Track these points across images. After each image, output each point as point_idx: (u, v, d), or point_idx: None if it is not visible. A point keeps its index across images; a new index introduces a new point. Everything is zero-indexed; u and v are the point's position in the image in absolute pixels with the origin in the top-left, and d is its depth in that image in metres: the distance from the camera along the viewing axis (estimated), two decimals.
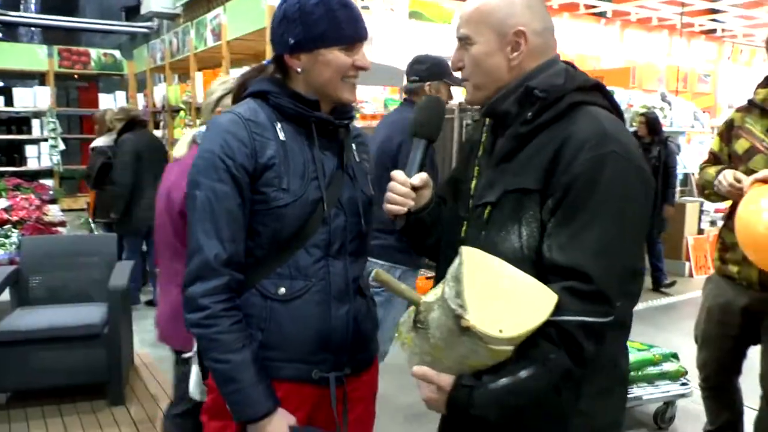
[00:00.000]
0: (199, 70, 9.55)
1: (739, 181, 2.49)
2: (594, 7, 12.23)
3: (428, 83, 3.17)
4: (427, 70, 3.18)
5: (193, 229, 1.50)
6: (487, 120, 1.53)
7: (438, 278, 1.41)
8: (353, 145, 1.71)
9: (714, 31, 14.72)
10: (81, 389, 3.84)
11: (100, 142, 6.13)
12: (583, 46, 12.63)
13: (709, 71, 15.28)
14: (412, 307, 1.33)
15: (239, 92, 1.66)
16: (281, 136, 1.54)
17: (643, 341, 4.23)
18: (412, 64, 3.27)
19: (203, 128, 2.16)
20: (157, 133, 11.10)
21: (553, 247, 1.29)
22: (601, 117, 1.36)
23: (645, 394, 3.54)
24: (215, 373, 1.51)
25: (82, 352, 3.65)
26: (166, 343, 2.44)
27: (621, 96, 7.04)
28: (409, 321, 1.33)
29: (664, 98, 7.29)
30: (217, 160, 1.48)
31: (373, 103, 6.58)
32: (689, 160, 7.72)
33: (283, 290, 1.54)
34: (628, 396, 3.52)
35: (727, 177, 2.53)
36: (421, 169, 1.55)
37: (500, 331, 1.19)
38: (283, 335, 1.54)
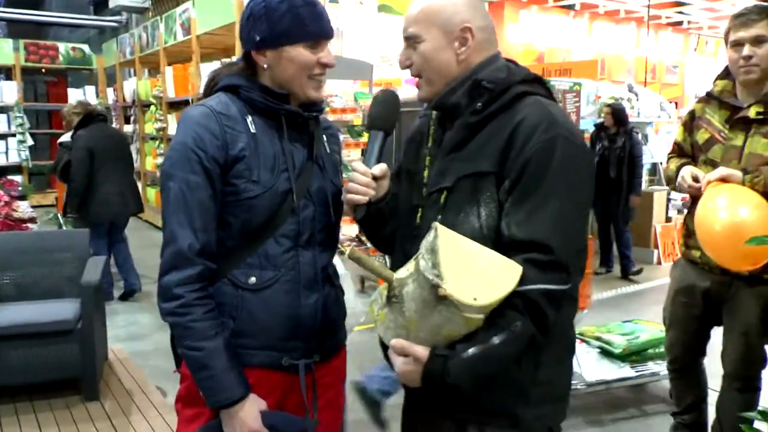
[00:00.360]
0: (169, 64, 9.51)
1: (696, 180, 2.57)
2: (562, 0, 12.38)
3: None
4: None
5: (167, 220, 1.53)
6: (434, 113, 1.60)
7: (394, 267, 1.46)
8: (324, 137, 1.74)
9: (681, 23, 14.97)
10: (55, 385, 3.81)
11: (66, 137, 6.08)
12: (552, 38, 12.77)
13: (677, 62, 15.56)
14: (383, 285, 1.40)
15: (210, 86, 1.68)
16: (252, 128, 1.57)
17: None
18: None
19: None
20: (128, 127, 11.02)
21: (511, 224, 1.38)
22: (547, 105, 1.46)
23: (662, 370, 3.68)
24: (189, 360, 1.54)
25: (55, 348, 3.63)
26: None
27: (589, 87, 7.14)
28: (381, 298, 1.40)
29: (631, 89, 7.42)
30: (190, 152, 1.51)
31: (343, 96, 6.60)
32: (657, 150, 7.87)
33: (253, 280, 1.57)
34: (644, 372, 3.78)
35: (686, 177, 2.61)
36: (379, 160, 1.59)
37: (474, 299, 1.27)
38: (254, 323, 1.58)
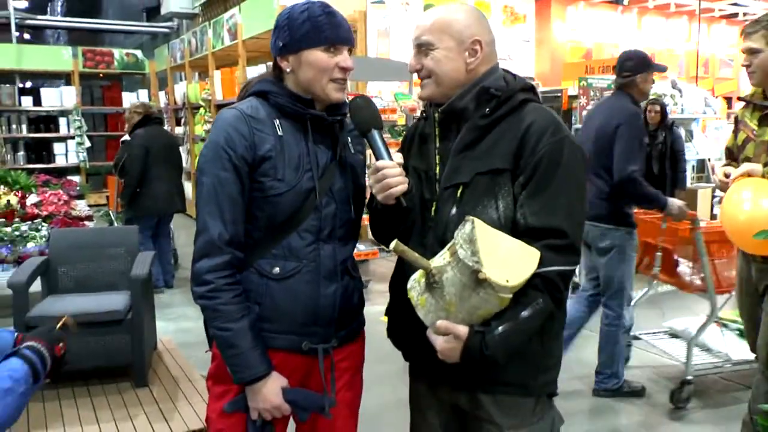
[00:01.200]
0: (218, 68, 9.79)
1: (727, 176, 2.71)
2: None
3: (639, 74, 3.70)
4: (636, 65, 3.71)
5: (200, 211, 1.69)
6: (436, 115, 1.74)
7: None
8: (348, 139, 1.87)
9: (735, 15, 14.62)
10: (108, 372, 4.05)
11: (128, 136, 6.42)
12: (600, 34, 12.66)
13: (732, 56, 15.18)
14: (419, 273, 1.56)
15: (244, 91, 1.83)
16: (279, 131, 1.72)
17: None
18: (622, 61, 3.79)
19: None
20: (178, 129, 11.38)
21: (527, 214, 1.57)
22: (547, 111, 1.68)
23: None
24: (217, 339, 1.69)
25: (108, 337, 3.86)
26: None
27: None
28: (419, 285, 1.55)
29: (674, 85, 7.33)
30: (221, 150, 1.66)
31: (384, 97, 6.74)
32: (703, 147, 7.76)
33: (277, 270, 1.71)
34: None
35: (719, 174, 2.79)
36: (389, 153, 1.71)
37: (507, 281, 1.45)
38: (277, 310, 1.72)
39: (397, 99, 6.78)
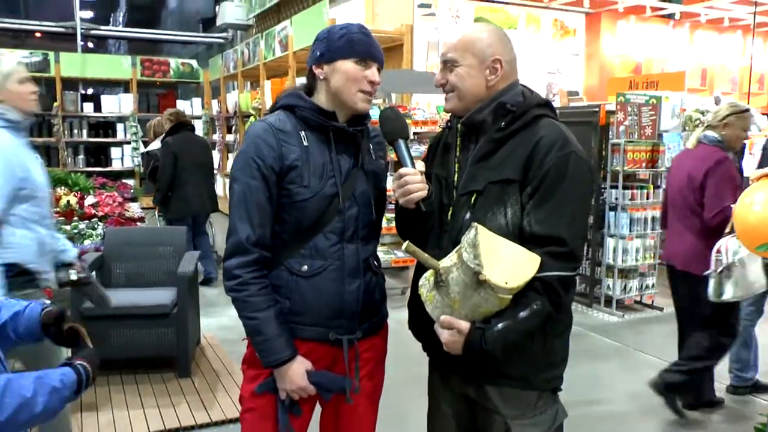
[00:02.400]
0: (268, 78, 10.09)
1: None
2: (661, 9, 12.12)
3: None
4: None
5: (231, 215, 1.87)
6: (459, 127, 1.88)
7: (428, 253, 1.75)
8: (370, 146, 2.03)
9: None
10: (154, 362, 4.31)
11: (152, 146, 6.81)
12: (650, 49, 12.51)
13: None
14: (429, 272, 1.71)
15: (274, 105, 2.01)
16: (305, 142, 1.88)
17: None
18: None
19: (709, 132, 3.68)
20: (230, 136, 11.73)
21: (532, 222, 1.71)
22: (559, 126, 1.79)
23: None
24: (247, 327, 1.87)
25: (155, 329, 4.11)
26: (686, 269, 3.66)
27: (674, 100, 7.07)
28: (429, 283, 1.71)
29: (717, 102, 7.26)
30: (251, 160, 1.83)
31: (426, 109, 6.88)
32: (749, 166, 7.64)
33: (305, 268, 1.88)
34: None
35: (750, 178, 2.83)
36: (413, 161, 1.87)
37: (506, 283, 1.58)
38: (306, 304, 1.88)
39: (438, 111, 6.92)
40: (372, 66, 1.89)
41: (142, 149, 12.34)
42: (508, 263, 1.62)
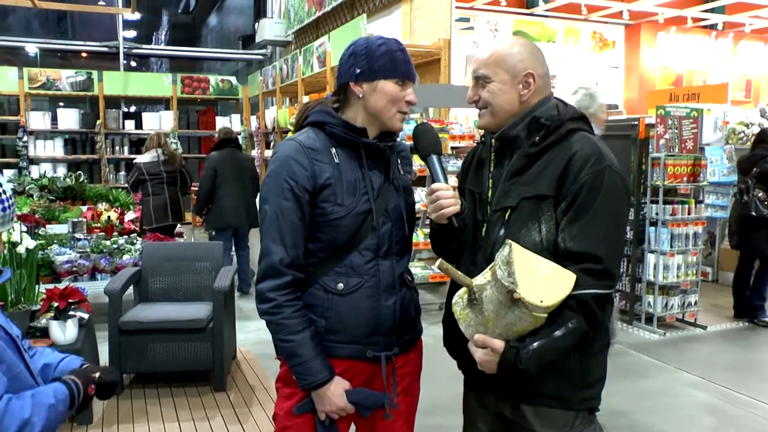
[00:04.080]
0: (306, 94, 10.19)
1: None
2: (703, 20, 11.90)
3: None
4: None
5: (263, 237, 1.85)
6: (493, 142, 1.86)
7: (461, 270, 1.73)
8: (398, 160, 2.02)
9: None
10: (190, 376, 4.35)
11: (140, 158, 6.97)
12: (692, 61, 12.28)
13: None
14: (462, 290, 1.69)
15: (301, 121, 1.98)
16: (336, 159, 1.86)
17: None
18: None
19: None
20: (268, 152, 11.85)
21: (566, 238, 1.68)
22: (594, 140, 1.76)
23: None
24: (282, 350, 1.85)
25: (191, 343, 4.15)
26: None
27: (717, 113, 6.93)
28: (462, 301, 1.69)
29: (763, 114, 7.09)
30: (282, 181, 1.80)
31: (464, 124, 6.85)
32: None
33: (341, 285, 1.86)
34: None
35: None
36: (445, 176, 1.85)
37: (541, 301, 1.56)
38: (342, 322, 1.86)
39: (476, 125, 6.89)
40: (410, 86, 1.88)
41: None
42: (542, 281, 1.60)
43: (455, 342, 1.86)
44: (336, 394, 1.83)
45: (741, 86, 12.39)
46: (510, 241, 1.63)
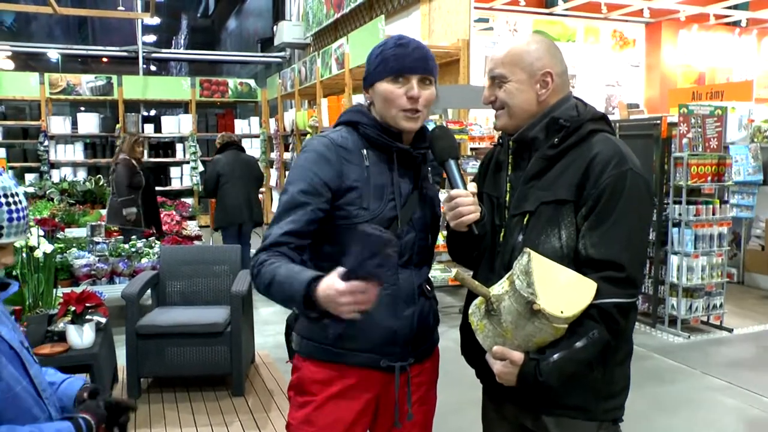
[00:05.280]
0: (325, 96, 10.16)
1: None
2: (726, 16, 11.72)
3: None
4: None
5: (273, 220, 1.78)
6: (511, 144, 1.80)
7: (479, 279, 1.68)
8: (429, 169, 1.95)
9: None
10: (208, 380, 4.33)
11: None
12: (714, 58, 12.10)
13: None
14: (479, 299, 1.62)
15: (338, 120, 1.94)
16: (366, 161, 1.80)
17: None
18: None
19: None
20: (287, 155, 11.86)
21: (587, 245, 1.61)
22: (615, 141, 1.70)
23: None
24: (274, 296, 1.67)
25: (209, 347, 4.12)
26: None
27: (741, 111, 6.80)
28: (479, 311, 1.63)
29: None
30: (307, 171, 1.75)
31: (483, 125, 6.79)
32: None
33: None
34: None
35: None
36: (464, 182, 1.78)
37: (561, 312, 1.50)
38: (359, 330, 1.78)
39: (494, 126, 6.81)
40: (411, 80, 1.77)
41: (201, 168, 12.68)
42: (562, 291, 1.54)
43: (473, 351, 1.79)
44: (328, 284, 1.52)
45: (765, 83, 12.17)
46: (528, 249, 1.56)
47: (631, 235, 1.61)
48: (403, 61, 1.78)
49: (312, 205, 1.75)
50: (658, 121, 5.62)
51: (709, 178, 5.54)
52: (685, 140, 5.46)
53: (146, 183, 7.09)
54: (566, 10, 10.44)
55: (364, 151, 1.81)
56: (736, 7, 11.10)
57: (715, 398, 4.30)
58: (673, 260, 5.60)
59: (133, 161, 6.98)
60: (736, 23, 12.18)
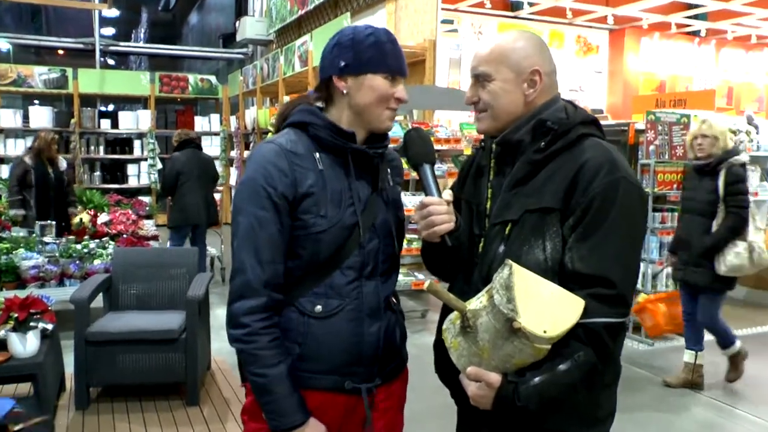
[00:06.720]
0: (288, 94, 9.99)
1: None
2: (687, 26, 11.90)
3: None
4: None
5: (237, 251, 1.62)
6: (494, 147, 1.66)
7: (455, 292, 1.54)
8: (388, 170, 1.80)
9: None
10: (161, 388, 4.13)
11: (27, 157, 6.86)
12: (675, 66, 12.29)
13: None
14: (454, 314, 1.48)
15: (282, 120, 1.76)
16: (320, 165, 1.63)
17: None
18: None
19: None
20: (247, 153, 11.64)
21: (575, 258, 1.46)
22: (607, 147, 1.56)
23: None
24: (253, 385, 1.62)
25: (162, 354, 3.93)
26: None
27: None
28: (454, 327, 1.48)
29: (750, 121, 6.99)
30: (260, 188, 1.58)
31: (448, 127, 6.70)
32: None
33: (319, 308, 1.64)
34: None
35: None
36: (438, 189, 1.64)
37: (544, 331, 1.36)
38: (320, 349, 1.65)
39: (462, 129, 6.73)
40: (400, 82, 1.67)
41: (159, 165, 12.37)
42: (546, 308, 1.39)
43: (448, 369, 1.63)
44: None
45: (723, 93, 12.40)
46: (510, 261, 1.42)
47: (623, 249, 1.47)
48: (399, 61, 1.66)
49: (279, 225, 1.60)
50: (626, 128, 5.60)
51: (675, 186, 5.54)
52: (652, 147, 5.45)
53: (57, 181, 6.84)
54: (531, 14, 10.46)
55: (317, 155, 1.64)
56: (696, 17, 11.28)
57: (682, 406, 4.27)
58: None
59: (42, 159, 6.74)
60: (696, 33, 12.38)
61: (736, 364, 4.64)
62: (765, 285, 6.95)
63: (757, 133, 6.87)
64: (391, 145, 1.81)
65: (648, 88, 11.74)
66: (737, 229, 4.30)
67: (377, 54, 1.63)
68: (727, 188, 4.30)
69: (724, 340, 4.59)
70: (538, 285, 1.42)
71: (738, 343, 4.60)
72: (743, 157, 4.42)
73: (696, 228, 4.44)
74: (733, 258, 4.27)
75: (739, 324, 6.22)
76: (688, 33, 12.33)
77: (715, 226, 4.37)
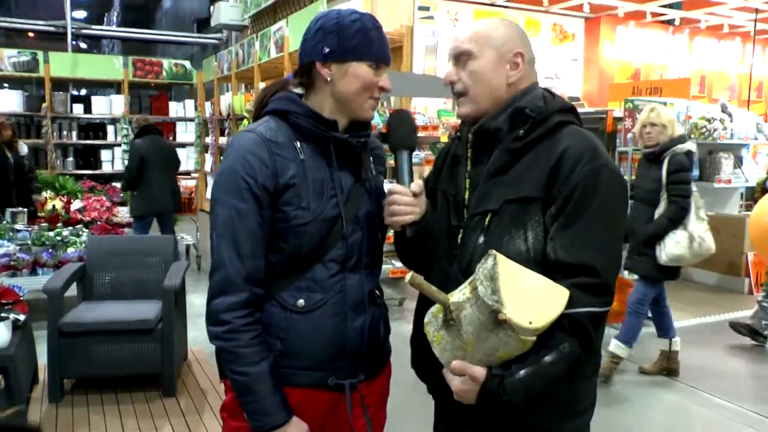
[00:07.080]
0: (263, 80, 9.89)
1: None
2: (661, 15, 11.98)
3: None
4: None
5: (216, 245, 1.57)
6: (470, 136, 1.63)
7: (433, 283, 1.51)
8: (370, 159, 1.76)
9: None
10: (137, 380, 4.08)
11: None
12: (649, 55, 12.39)
13: None
14: (436, 307, 1.45)
15: (260, 107, 1.71)
16: (301, 155, 1.59)
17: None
18: None
19: None
20: (222, 139, 11.51)
21: (557, 247, 1.45)
22: (586, 134, 1.54)
23: None
24: (234, 383, 1.59)
25: (138, 345, 3.87)
26: None
27: (679, 107, 6.90)
28: (436, 321, 1.45)
29: (724, 109, 7.09)
30: (239, 179, 1.53)
31: (425, 113, 6.68)
32: (753, 174, 7.49)
33: (301, 302, 1.60)
34: None
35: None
36: (411, 178, 1.63)
37: (530, 322, 1.34)
38: (302, 345, 1.61)
39: (440, 116, 6.72)
40: (384, 71, 1.63)
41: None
42: (532, 298, 1.37)
43: (425, 364, 1.64)
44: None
45: (696, 81, 12.53)
46: (494, 251, 1.40)
47: (606, 237, 1.46)
48: (385, 49, 1.62)
49: (259, 218, 1.55)
50: (604, 115, 5.64)
51: None
52: (629, 135, 5.48)
53: (17, 167, 6.71)
54: (508, 1, 10.45)
55: (297, 144, 1.60)
56: (670, 6, 11.36)
57: (655, 394, 4.33)
58: None
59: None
60: (670, 22, 12.49)
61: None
62: (736, 271, 7.06)
63: (731, 121, 6.96)
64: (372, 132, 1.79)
65: (623, 76, 11.82)
66: (677, 218, 4.27)
67: (363, 41, 1.59)
68: (669, 176, 4.26)
69: (632, 332, 4.56)
70: (522, 275, 1.41)
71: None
72: (688, 146, 4.36)
73: (641, 216, 4.41)
74: (672, 247, 4.26)
75: (710, 310, 6.34)
76: (663, 22, 12.43)
77: (657, 214, 4.37)
